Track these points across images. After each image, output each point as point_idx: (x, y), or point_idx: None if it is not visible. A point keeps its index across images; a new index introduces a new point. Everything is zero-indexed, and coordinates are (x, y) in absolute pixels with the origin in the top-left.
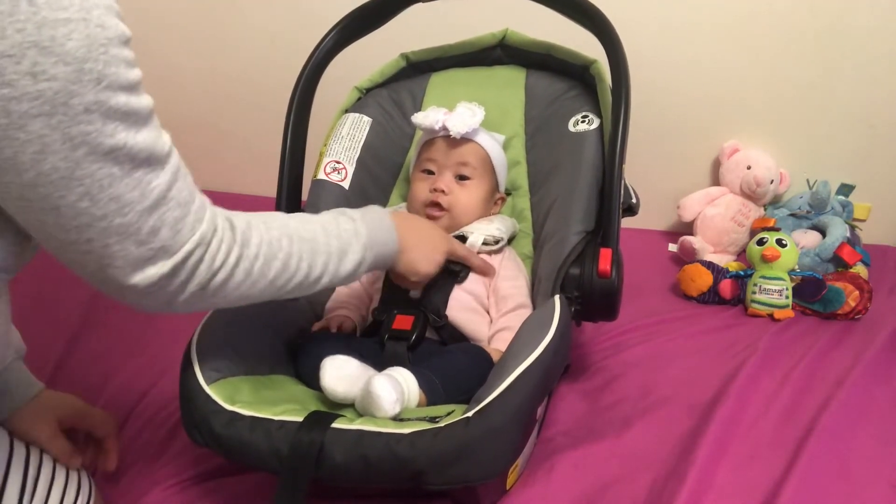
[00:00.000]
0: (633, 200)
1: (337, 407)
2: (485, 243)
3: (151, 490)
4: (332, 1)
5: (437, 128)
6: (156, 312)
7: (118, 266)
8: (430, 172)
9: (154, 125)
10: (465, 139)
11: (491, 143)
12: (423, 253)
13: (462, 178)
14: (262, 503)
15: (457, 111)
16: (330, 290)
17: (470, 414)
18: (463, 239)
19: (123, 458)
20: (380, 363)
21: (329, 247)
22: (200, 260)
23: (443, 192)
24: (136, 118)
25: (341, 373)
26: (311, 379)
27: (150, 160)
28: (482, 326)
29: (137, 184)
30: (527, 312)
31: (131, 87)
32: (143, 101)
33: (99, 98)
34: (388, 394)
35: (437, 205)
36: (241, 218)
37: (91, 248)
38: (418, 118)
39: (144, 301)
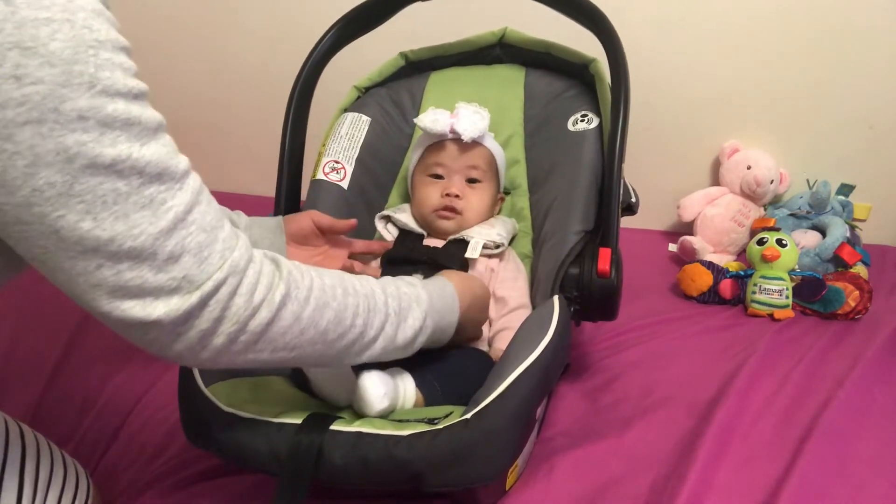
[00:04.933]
0: (633, 199)
1: (336, 409)
2: (485, 247)
3: (149, 490)
4: (332, 0)
5: (447, 132)
6: (193, 364)
7: (135, 296)
8: (439, 177)
9: (166, 142)
10: (474, 143)
11: (496, 145)
12: (476, 321)
13: (472, 181)
14: (261, 503)
15: (462, 114)
16: None
17: (468, 416)
18: (464, 243)
19: (122, 458)
20: (380, 363)
21: (387, 307)
22: (234, 292)
23: (457, 196)
24: (140, 129)
25: (334, 379)
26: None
27: (163, 177)
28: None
29: (148, 202)
30: (526, 313)
31: (131, 95)
32: (149, 112)
33: (94, 104)
34: (376, 388)
35: (450, 209)
36: (287, 260)
37: (103, 278)
38: (426, 122)
39: (176, 345)
